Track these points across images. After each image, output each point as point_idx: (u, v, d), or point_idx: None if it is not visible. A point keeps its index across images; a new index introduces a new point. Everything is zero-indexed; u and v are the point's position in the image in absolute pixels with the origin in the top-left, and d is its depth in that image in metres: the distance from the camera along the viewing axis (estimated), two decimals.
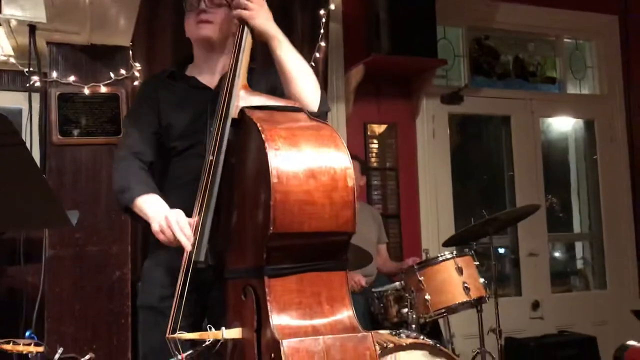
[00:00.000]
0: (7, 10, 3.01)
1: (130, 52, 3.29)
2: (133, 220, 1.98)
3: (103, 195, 3.07)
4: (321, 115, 1.81)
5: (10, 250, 3.06)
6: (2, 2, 3.02)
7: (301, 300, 1.52)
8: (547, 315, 4.90)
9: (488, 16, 4.95)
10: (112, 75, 3.18)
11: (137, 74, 3.37)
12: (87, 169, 3.10)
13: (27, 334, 2.54)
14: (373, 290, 3.28)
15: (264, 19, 1.83)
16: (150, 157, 1.97)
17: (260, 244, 1.52)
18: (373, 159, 4.58)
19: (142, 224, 1.86)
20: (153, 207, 1.79)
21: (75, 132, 3.11)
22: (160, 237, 1.72)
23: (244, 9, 1.81)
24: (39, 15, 2.92)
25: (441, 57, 4.44)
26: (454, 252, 3.15)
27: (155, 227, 1.74)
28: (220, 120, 1.75)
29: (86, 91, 3.15)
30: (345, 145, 1.62)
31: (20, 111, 3.72)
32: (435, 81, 4.66)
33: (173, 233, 1.67)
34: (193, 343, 1.63)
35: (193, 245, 1.67)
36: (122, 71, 3.21)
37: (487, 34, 5.12)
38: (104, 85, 3.17)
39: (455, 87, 4.85)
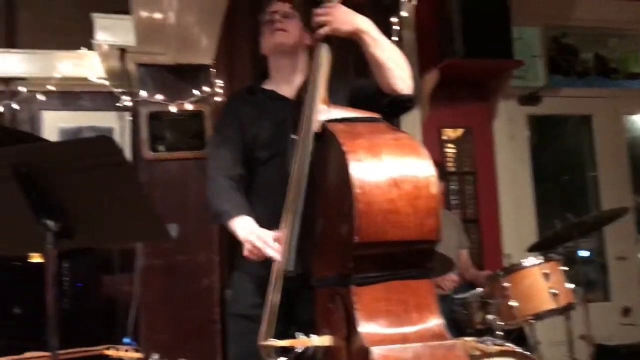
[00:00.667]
0: (100, 36, 3.24)
1: (213, 70, 3.43)
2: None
3: (191, 206, 3.22)
4: (416, 99, 1.85)
5: (107, 260, 3.25)
6: (96, 28, 3.25)
7: (389, 308, 1.54)
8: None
9: (565, 14, 4.81)
10: (196, 92, 3.34)
11: (219, 90, 3.51)
12: (176, 183, 3.27)
13: (126, 340, 2.69)
14: (455, 296, 3.25)
15: (342, 22, 1.85)
16: (240, 171, 2.05)
17: (346, 253, 1.56)
18: (449, 164, 4.55)
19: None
20: (243, 231, 1.87)
21: (164, 147, 3.28)
22: (252, 258, 1.81)
23: (323, 25, 1.85)
24: (128, 39, 3.12)
25: (517, 58, 4.36)
26: (540, 258, 3.07)
27: (245, 251, 1.83)
28: (303, 135, 1.80)
29: (173, 109, 3.32)
30: (428, 153, 1.64)
31: (111, 130, 3.95)
32: (511, 82, 4.57)
33: (261, 251, 1.75)
34: (283, 350, 1.68)
35: (282, 255, 1.73)
36: (206, 88, 3.36)
37: (565, 32, 4.97)
38: (189, 102, 3.34)
39: (532, 87, 4.74)
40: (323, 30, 1.85)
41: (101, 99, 3.91)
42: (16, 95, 3.73)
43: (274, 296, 1.73)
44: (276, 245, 1.75)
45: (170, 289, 3.15)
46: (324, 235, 1.71)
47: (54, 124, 3.84)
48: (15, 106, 3.72)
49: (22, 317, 2.59)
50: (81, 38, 3.70)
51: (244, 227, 1.89)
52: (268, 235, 1.80)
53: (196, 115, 3.36)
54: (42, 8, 3.92)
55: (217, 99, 3.52)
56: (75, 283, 2.79)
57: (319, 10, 1.86)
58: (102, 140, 1.37)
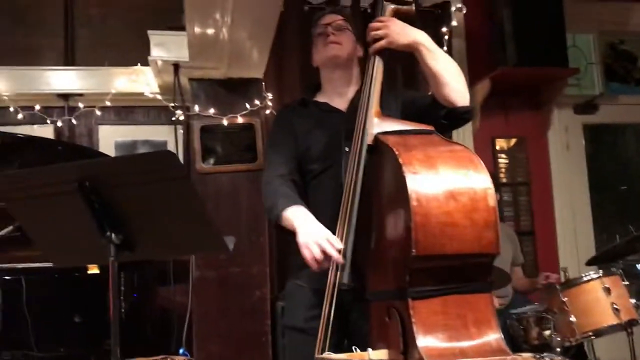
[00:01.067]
0: (155, 52, 3.33)
1: (263, 84, 3.48)
2: (284, 234, 2.06)
3: (243, 218, 3.26)
4: (473, 110, 1.84)
5: (162, 271, 3.32)
6: (151, 45, 3.35)
7: (446, 322, 1.52)
8: None
9: (621, 20, 4.68)
10: (247, 106, 3.39)
11: (269, 103, 3.55)
12: (228, 195, 3.31)
13: (181, 351, 2.75)
14: (511, 311, 3.17)
15: (399, 35, 1.86)
16: (294, 177, 2.05)
17: (402, 267, 1.54)
18: (502, 175, 4.47)
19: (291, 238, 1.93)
20: (299, 219, 1.85)
21: (216, 160, 3.33)
22: (303, 249, 1.78)
23: (379, 39, 1.85)
24: (182, 55, 3.19)
25: (572, 66, 4.25)
26: (600, 271, 2.96)
27: (300, 239, 1.80)
28: (356, 148, 1.80)
29: (225, 122, 3.38)
30: (484, 165, 1.62)
31: (165, 143, 4.05)
32: (566, 91, 4.46)
33: (323, 250, 1.72)
34: None
35: (336, 266, 1.72)
36: (257, 102, 3.40)
37: (622, 38, 4.82)
38: (241, 115, 3.39)
39: (588, 95, 4.61)
40: (380, 43, 1.85)
41: (155, 113, 4.01)
42: (74, 110, 3.86)
43: (328, 309, 1.72)
44: (339, 244, 1.73)
45: (223, 300, 3.18)
46: (379, 248, 1.70)
47: (110, 138, 3.96)
48: (73, 121, 3.85)
49: (82, 326, 2.66)
50: (136, 54, 3.82)
51: (299, 216, 1.86)
52: (326, 239, 1.77)
53: (247, 128, 3.41)
54: (99, 26, 4.06)
55: (267, 111, 3.57)
56: (132, 293, 2.86)
57: (375, 24, 1.87)
58: (164, 154, 1.40)
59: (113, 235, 1.54)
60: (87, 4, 4.07)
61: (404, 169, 1.55)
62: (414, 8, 1.94)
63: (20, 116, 3.72)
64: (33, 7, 4.00)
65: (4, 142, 2.77)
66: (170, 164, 1.42)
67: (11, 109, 3.73)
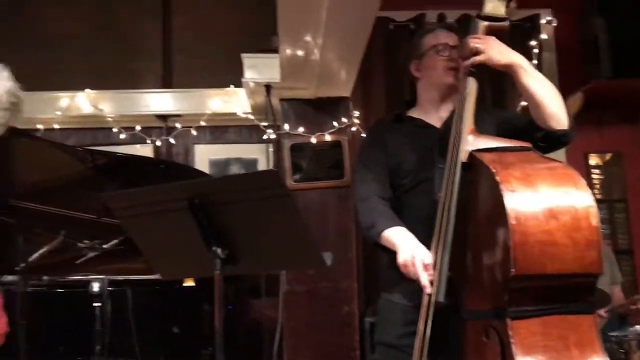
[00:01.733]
0: (248, 74, 3.48)
1: (350, 102, 3.55)
2: (384, 252, 2.09)
3: (331, 234, 3.32)
4: (572, 132, 1.82)
5: (254, 285, 3.42)
6: (244, 67, 3.50)
7: (546, 343, 1.49)
8: None
9: None
10: (335, 124, 3.46)
11: (356, 121, 3.61)
12: (316, 211, 3.38)
13: None
14: (610, 334, 3.03)
15: (498, 53, 1.85)
16: (389, 194, 2.08)
17: (501, 286, 1.53)
18: (596, 191, 4.30)
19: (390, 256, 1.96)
20: (400, 239, 1.88)
21: (305, 177, 3.42)
22: (403, 269, 1.81)
23: (476, 53, 1.85)
24: (274, 76, 3.32)
25: None
26: None
27: (401, 258, 1.83)
28: (450, 164, 1.81)
29: (313, 140, 3.47)
30: (585, 182, 1.58)
31: (255, 161, 4.19)
32: None
33: (416, 271, 1.75)
34: None
35: (432, 283, 1.73)
36: (344, 120, 3.47)
37: None
38: (329, 133, 3.46)
39: None
40: (477, 58, 1.85)
41: (246, 132, 4.17)
42: (172, 130, 4.08)
43: (424, 327, 1.73)
44: (430, 271, 1.74)
45: (312, 314, 3.24)
46: (476, 267, 1.70)
47: (204, 156, 4.15)
48: (171, 140, 4.06)
49: (181, 336, 2.79)
50: (229, 77, 3.99)
51: (400, 236, 1.89)
52: (427, 256, 1.79)
53: (335, 145, 3.48)
54: (194, 51, 4.28)
55: (354, 129, 3.62)
56: (226, 305, 2.96)
57: (473, 40, 1.86)
58: (268, 174, 1.47)
59: (219, 249, 1.63)
60: (183, 30, 4.31)
61: (502, 187, 1.54)
62: (508, 24, 1.93)
63: (122, 136, 3.98)
64: (134, 35, 4.28)
65: (110, 161, 2.96)
66: (274, 183, 1.49)
67: (114, 130, 3.99)
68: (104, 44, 4.23)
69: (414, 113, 2.19)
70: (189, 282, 3.06)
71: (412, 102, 2.22)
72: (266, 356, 3.20)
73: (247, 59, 3.51)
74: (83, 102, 3.99)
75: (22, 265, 2.41)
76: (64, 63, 4.11)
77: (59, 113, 3.95)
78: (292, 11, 2.54)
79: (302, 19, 2.56)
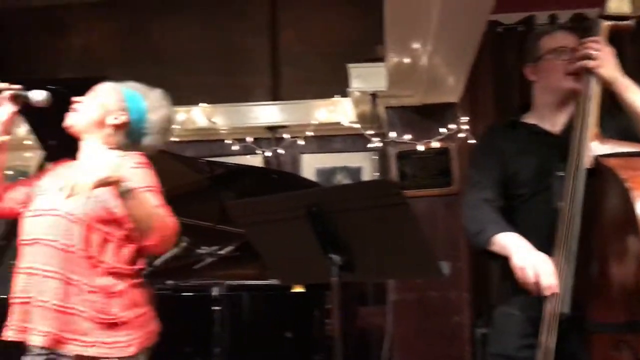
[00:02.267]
0: (355, 84, 3.52)
1: (457, 107, 3.50)
2: (491, 261, 2.04)
3: (440, 243, 3.28)
4: None
5: (362, 292, 3.45)
6: (351, 77, 3.55)
7: None
8: None
9: None
10: (442, 130, 3.42)
11: (464, 127, 3.54)
12: (424, 219, 3.35)
13: None
14: None
15: (610, 67, 1.78)
16: (500, 203, 2.02)
17: (635, 298, 1.45)
18: None
19: (500, 263, 1.90)
20: (514, 243, 1.82)
21: (412, 185, 3.40)
22: (519, 272, 1.75)
23: (590, 58, 1.79)
24: (380, 84, 3.34)
25: None
26: None
27: (518, 262, 1.77)
28: (572, 172, 1.74)
29: (420, 147, 3.44)
30: None
31: (360, 169, 4.22)
32: None
33: (538, 274, 1.68)
34: None
35: (555, 295, 1.67)
36: (451, 126, 3.42)
37: None
38: (436, 140, 3.43)
39: None
40: (587, 64, 1.79)
41: (351, 141, 4.22)
42: (280, 141, 4.21)
43: (548, 339, 1.66)
44: (554, 279, 1.68)
45: (421, 324, 3.21)
46: (605, 277, 1.62)
47: (311, 166, 4.24)
48: (280, 151, 4.19)
49: (293, 341, 2.86)
50: (335, 87, 4.07)
51: (514, 239, 1.82)
52: (544, 265, 1.72)
53: (442, 152, 3.44)
54: (301, 63, 4.40)
55: (462, 135, 3.56)
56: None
57: (592, 45, 1.79)
58: (384, 182, 1.49)
59: (336, 257, 1.66)
60: (290, 44, 4.45)
61: (632, 193, 1.47)
62: (633, 24, 1.84)
63: (235, 147, 4.16)
64: (244, 51, 4.47)
65: (227, 172, 3.11)
66: (391, 191, 1.51)
67: (227, 142, 4.18)
68: (217, 61, 4.44)
69: (529, 119, 2.12)
70: (299, 289, 3.14)
71: (526, 107, 2.16)
72: None
73: (353, 69, 3.55)
74: (198, 116, 4.21)
75: (149, 269, 2.57)
76: (180, 79, 4.35)
77: (176, 127, 4.19)
78: (400, 19, 2.55)
79: (410, 26, 2.56)
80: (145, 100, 1.97)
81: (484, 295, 3.46)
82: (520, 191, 2.02)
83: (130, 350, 1.71)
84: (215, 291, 2.67)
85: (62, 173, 1.86)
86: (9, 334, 1.70)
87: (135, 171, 1.79)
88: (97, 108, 1.89)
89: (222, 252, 3.03)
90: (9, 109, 1.85)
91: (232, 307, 2.70)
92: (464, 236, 3.28)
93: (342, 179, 4.20)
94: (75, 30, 4.61)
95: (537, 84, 2.08)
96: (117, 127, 1.90)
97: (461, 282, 3.23)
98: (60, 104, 1.96)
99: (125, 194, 1.65)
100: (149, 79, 4.38)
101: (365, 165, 4.17)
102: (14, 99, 1.85)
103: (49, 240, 1.73)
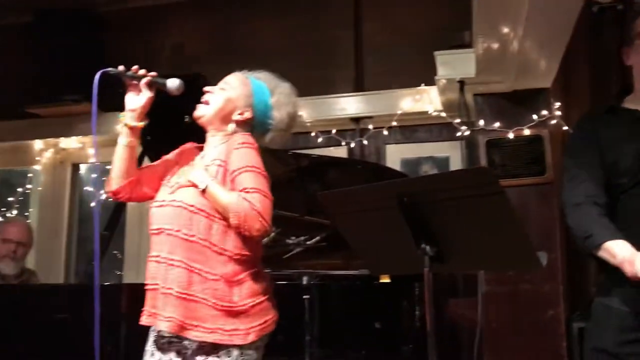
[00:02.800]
0: (441, 72, 3.45)
1: (550, 93, 3.35)
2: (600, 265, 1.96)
3: (532, 234, 3.12)
4: None
5: (452, 284, 3.39)
6: (437, 65, 3.48)
7: None
8: None
9: None
10: (534, 117, 3.29)
11: (557, 113, 3.40)
12: (516, 210, 3.23)
13: None
14: None
15: None
16: (605, 198, 1.93)
17: None
18: None
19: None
20: (623, 251, 1.75)
21: (503, 174, 3.30)
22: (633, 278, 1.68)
23: None
24: (467, 71, 3.25)
25: None
26: None
27: (628, 269, 1.70)
28: None
29: (510, 135, 3.33)
30: None
31: (446, 159, 4.14)
32: None
33: None
34: None
35: None
36: (544, 112, 3.28)
37: None
38: (527, 127, 3.30)
39: None
40: None
41: (437, 130, 4.14)
42: (365, 132, 4.20)
43: None
44: None
45: (513, 317, 3.12)
46: None
47: (396, 156, 4.20)
48: (364, 142, 4.18)
49: (380, 331, 2.86)
50: (420, 75, 4.01)
51: (623, 248, 1.76)
52: None
53: (534, 140, 3.31)
54: (384, 53, 4.36)
55: (554, 122, 3.41)
56: (424, 303, 2.98)
57: None
58: (479, 171, 1.45)
59: (428, 247, 1.64)
60: (374, 34, 4.42)
61: None
62: None
63: (319, 140, 4.20)
64: (328, 43, 4.49)
65: (312, 163, 3.14)
66: (486, 180, 1.47)
67: (312, 134, 4.22)
68: (301, 54, 4.48)
69: (629, 104, 2.00)
70: (385, 279, 3.13)
71: (626, 91, 2.04)
72: (465, 356, 3.15)
73: (440, 56, 3.49)
74: None
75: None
76: None
77: None
78: (489, 3, 2.47)
79: (500, 9, 2.48)
80: (272, 96, 2.00)
81: (580, 288, 3.32)
82: (620, 180, 1.92)
83: (250, 338, 1.77)
84: (304, 280, 2.71)
85: (184, 165, 1.97)
86: (143, 319, 1.81)
87: (237, 152, 1.84)
88: (224, 102, 1.96)
89: (309, 242, 3.06)
90: (146, 94, 1.94)
91: (321, 297, 2.73)
92: (560, 226, 3.16)
93: (428, 170, 4.14)
94: (168, 30, 4.80)
95: (634, 68, 1.97)
96: (241, 123, 1.96)
97: (556, 274, 3.10)
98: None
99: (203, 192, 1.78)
100: None
101: (452, 154, 4.08)
102: (151, 85, 1.94)
103: (173, 230, 1.81)
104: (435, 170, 4.11)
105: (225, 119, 1.95)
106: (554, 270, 3.12)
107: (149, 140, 3.00)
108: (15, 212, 4.81)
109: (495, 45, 2.82)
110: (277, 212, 3.07)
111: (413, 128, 4.20)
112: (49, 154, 4.86)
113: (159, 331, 1.83)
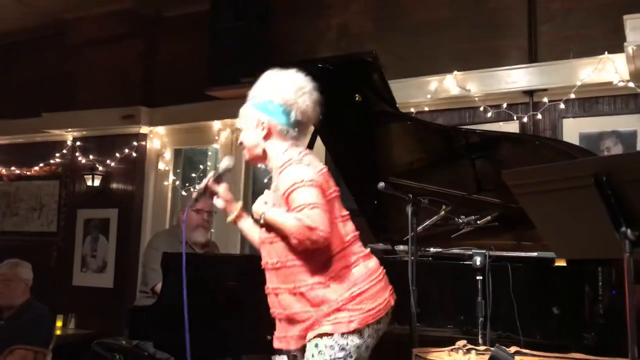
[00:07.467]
0: (631, 38, 3.13)
1: None
2: None
3: None
4: None
5: (638, 269, 3.09)
6: (626, 30, 3.15)
7: None
8: None
9: None
10: None
11: None
12: None
13: None
14: None
15: None
16: None
17: None
18: None
19: None
20: None
21: None
22: None
23: None
24: None
25: None
26: None
27: None
28: None
29: None
30: None
31: (634, 133, 3.77)
32: None
33: None
34: None
35: None
36: None
37: None
38: None
39: None
40: None
41: (622, 101, 3.78)
42: (539, 106, 3.95)
43: None
44: None
45: None
46: None
47: (574, 131, 3.90)
48: (538, 116, 3.94)
49: (559, 317, 2.70)
50: (602, 43, 3.67)
51: None
52: None
53: None
54: (561, 20, 4.05)
55: None
56: (610, 290, 2.75)
57: None
58: None
59: (629, 231, 1.51)
60: (549, 0, 4.11)
61: None
62: None
63: (488, 114, 4.03)
64: (498, 13, 4.26)
65: (481, 140, 3.01)
66: None
67: (481, 109, 4.06)
68: (468, 26, 4.31)
69: None
70: (561, 263, 2.94)
71: None
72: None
73: (631, 21, 3.15)
74: (451, 84, 4.15)
75: (412, 235, 2.64)
76: (431, 48, 4.33)
77: (428, 96, 4.19)
78: None
79: None
80: (264, 89, 2.15)
81: None
82: None
83: (353, 326, 1.93)
84: (477, 261, 2.63)
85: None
86: (275, 344, 2.12)
87: (281, 176, 2.01)
88: (247, 137, 2.15)
89: (480, 222, 2.97)
90: (221, 188, 2.24)
91: (494, 278, 2.64)
92: None
93: (611, 145, 3.80)
94: (332, 10, 4.87)
95: None
96: (270, 134, 2.10)
97: None
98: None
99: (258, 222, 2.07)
100: (403, 51, 4.48)
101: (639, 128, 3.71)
102: (217, 181, 2.24)
103: (267, 263, 2.10)
104: (620, 145, 3.76)
105: (258, 146, 2.13)
106: None
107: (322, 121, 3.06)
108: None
109: None
110: (442, 190, 3.03)
111: (594, 100, 3.86)
112: (226, 134, 5.21)
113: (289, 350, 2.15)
